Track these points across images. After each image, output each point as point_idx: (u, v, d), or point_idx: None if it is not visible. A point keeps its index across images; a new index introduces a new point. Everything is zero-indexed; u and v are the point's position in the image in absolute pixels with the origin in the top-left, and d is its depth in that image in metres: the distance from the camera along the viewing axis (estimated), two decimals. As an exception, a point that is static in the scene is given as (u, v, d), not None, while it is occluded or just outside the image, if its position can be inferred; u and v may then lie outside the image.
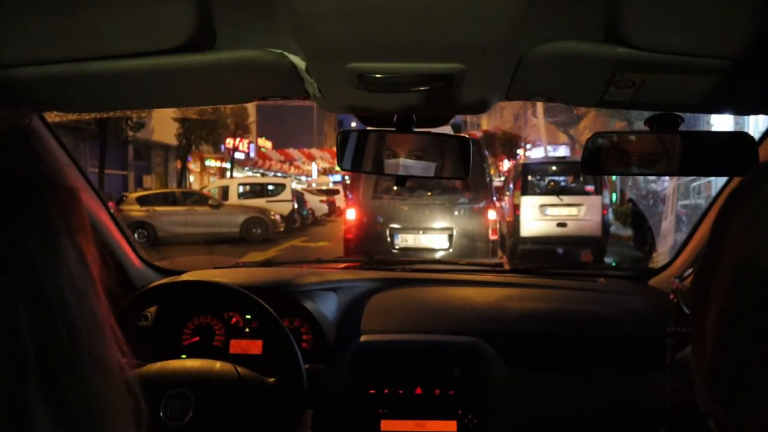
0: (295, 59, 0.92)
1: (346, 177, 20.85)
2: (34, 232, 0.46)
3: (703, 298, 0.47)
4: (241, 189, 17.84)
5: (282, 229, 14.97)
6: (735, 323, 0.43)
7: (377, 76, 0.91)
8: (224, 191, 17.60)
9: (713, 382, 0.46)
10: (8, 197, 0.45)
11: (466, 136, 1.35)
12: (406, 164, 1.22)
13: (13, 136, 0.49)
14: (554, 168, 10.68)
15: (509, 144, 26.49)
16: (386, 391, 1.47)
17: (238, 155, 27.59)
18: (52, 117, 1.34)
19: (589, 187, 10.05)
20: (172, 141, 22.00)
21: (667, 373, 1.27)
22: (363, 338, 1.54)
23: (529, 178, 10.33)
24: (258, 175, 29.71)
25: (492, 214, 6.98)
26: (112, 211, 1.71)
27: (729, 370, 0.44)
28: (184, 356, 1.36)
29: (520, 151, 24.90)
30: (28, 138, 0.50)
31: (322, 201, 21.97)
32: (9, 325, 0.43)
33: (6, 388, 0.43)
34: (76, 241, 0.49)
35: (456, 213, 6.99)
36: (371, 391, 1.47)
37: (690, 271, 1.64)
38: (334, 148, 1.35)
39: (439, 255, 6.88)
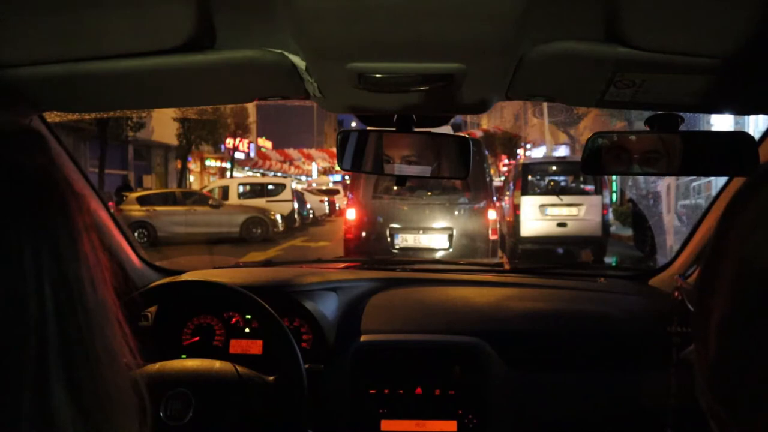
0: (295, 59, 0.92)
1: (347, 177, 20.84)
2: (60, 222, 0.49)
3: (706, 297, 0.47)
4: (241, 189, 17.84)
5: (282, 229, 14.97)
6: (738, 324, 0.43)
7: (377, 76, 0.91)
8: (224, 191, 17.59)
9: (715, 381, 0.46)
10: (37, 189, 0.49)
11: (466, 135, 1.35)
12: (406, 164, 1.22)
13: (28, 136, 0.52)
14: (554, 168, 10.68)
15: (509, 144, 26.49)
16: (386, 391, 1.47)
17: (238, 155, 27.60)
18: (52, 117, 1.34)
19: (589, 187, 10.05)
20: (172, 141, 22.00)
21: (672, 372, 1.27)
22: (363, 338, 1.54)
23: (529, 177, 10.33)
24: (258, 175, 29.72)
25: (492, 214, 6.97)
26: (112, 211, 1.71)
27: (731, 370, 0.44)
28: (184, 356, 1.37)
29: (520, 151, 24.90)
30: (42, 138, 0.52)
31: (322, 201, 21.98)
32: (36, 304, 0.46)
33: (30, 364, 0.45)
34: (91, 236, 0.52)
35: (456, 213, 6.99)
36: (371, 391, 1.47)
37: (693, 269, 1.64)
38: (333, 149, 1.35)
39: (439, 255, 6.88)
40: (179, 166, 23.53)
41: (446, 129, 1.53)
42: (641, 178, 10.95)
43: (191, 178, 26.33)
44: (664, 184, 9.51)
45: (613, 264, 9.60)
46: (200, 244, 12.41)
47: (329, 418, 1.45)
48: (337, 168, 1.36)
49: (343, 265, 2.30)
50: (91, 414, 0.47)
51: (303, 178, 37.13)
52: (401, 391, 1.47)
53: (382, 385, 1.47)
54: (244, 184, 18.44)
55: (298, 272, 1.83)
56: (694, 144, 1.15)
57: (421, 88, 0.95)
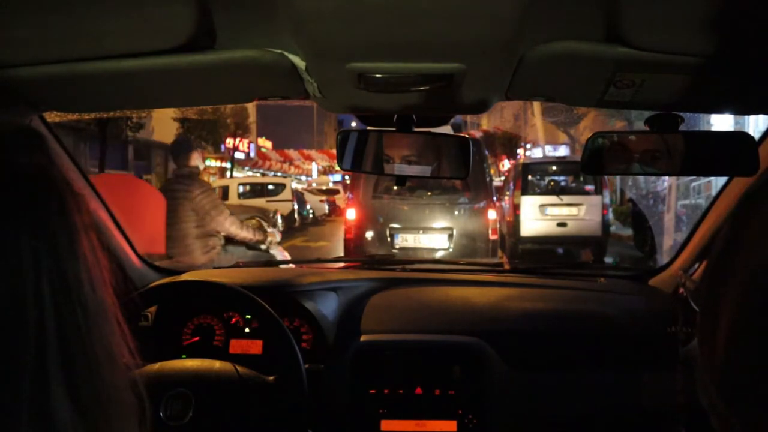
0: (295, 59, 0.92)
1: (347, 177, 20.86)
2: (59, 222, 0.49)
3: (714, 300, 0.47)
4: (241, 189, 17.82)
5: (282, 229, 14.96)
6: (750, 329, 0.43)
7: (377, 76, 0.91)
8: (224, 191, 17.55)
9: (723, 381, 0.46)
10: (36, 189, 0.49)
11: (466, 135, 1.35)
12: (406, 164, 1.22)
13: (27, 135, 0.52)
14: (554, 168, 10.68)
15: (509, 144, 26.49)
16: (386, 391, 1.47)
17: (238, 155, 27.56)
18: (52, 117, 1.34)
19: (589, 187, 10.05)
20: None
21: (679, 370, 1.26)
22: (363, 338, 1.54)
23: (529, 177, 10.33)
24: (258, 174, 29.71)
25: (492, 214, 6.97)
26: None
27: (741, 372, 0.44)
28: (184, 356, 1.37)
29: (520, 151, 24.90)
30: (41, 138, 0.53)
31: (321, 201, 21.97)
32: (35, 304, 0.46)
33: (29, 364, 0.45)
34: (90, 236, 0.52)
35: (456, 213, 6.99)
36: (371, 391, 1.47)
37: (694, 267, 1.64)
38: (333, 150, 1.35)
39: (439, 255, 6.87)
40: (179, 165, 23.49)
41: (446, 129, 1.52)
42: (641, 178, 10.95)
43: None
44: (664, 184, 9.51)
45: (613, 264, 9.59)
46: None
47: (329, 418, 1.45)
48: (337, 168, 1.36)
49: (343, 265, 2.31)
50: (89, 414, 0.47)
51: (303, 178, 37.13)
52: (401, 391, 1.47)
53: (382, 385, 1.47)
54: (244, 184, 18.42)
55: (298, 272, 1.83)
56: (694, 144, 1.15)
57: (421, 88, 0.95)
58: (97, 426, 0.48)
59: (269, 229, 4.71)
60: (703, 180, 10.12)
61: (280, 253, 4.42)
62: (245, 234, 4.04)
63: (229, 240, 4.02)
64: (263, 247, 4.18)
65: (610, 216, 10.95)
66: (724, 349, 0.45)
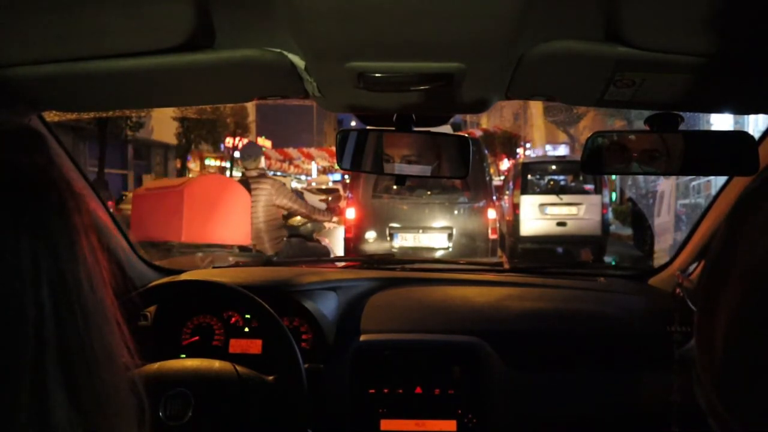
0: (295, 59, 0.92)
1: (346, 176, 20.86)
2: (59, 222, 0.49)
3: (712, 300, 0.47)
4: (240, 188, 17.78)
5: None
6: (749, 324, 0.43)
7: (377, 75, 0.91)
8: (224, 190, 17.53)
9: (722, 383, 0.46)
10: (36, 189, 0.49)
11: (466, 135, 1.35)
12: (406, 163, 1.22)
13: (27, 135, 0.52)
14: (554, 167, 10.68)
15: (509, 143, 26.50)
16: (386, 390, 1.47)
17: (238, 154, 27.56)
18: (52, 117, 1.34)
19: (589, 186, 10.05)
20: (172, 140, 21.98)
21: (675, 371, 1.26)
22: (363, 338, 1.54)
23: (529, 177, 10.32)
24: (257, 174, 29.62)
25: (492, 213, 6.96)
26: (111, 210, 1.71)
27: (740, 373, 0.44)
28: (183, 356, 1.37)
29: (520, 150, 24.90)
30: (41, 138, 0.52)
31: (321, 200, 21.97)
32: (34, 305, 0.46)
33: (28, 365, 0.45)
34: (90, 237, 0.52)
35: (456, 212, 6.98)
36: (371, 391, 1.47)
37: (694, 267, 1.64)
38: (333, 148, 1.35)
39: (438, 254, 6.87)
40: (179, 165, 23.51)
41: (446, 128, 1.52)
42: (641, 178, 10.94)
43: (191, 177, 26.28)
44: (664, 185, 9.50)
45: (613, 263, 9.59)
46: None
47: (329, 417, 1.45)
48: (337, 167, 1.36)
49: (342, 264, 2.30)
50: (88, 414, 0.47)
51: (303, 177, 37.09)
52: (401, 391, 1.47)
53: (382, 384, 1.47)
54: (243, 183, 18.38)
55: (298, 272, 1.83)
56: (694, 143, 1.15)
57: (421, 88, 0.95)
58: (97, 426, 0.48)
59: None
60: (703, 179, 10.13)
61: (330, 249, 5.14)
62: (318, 215, 4.78)
63: (293, 234, 4.68)
64: (314, 236, 4.89)
65: (610, 215, 10.96)
66: (723, 349, 0.45)
